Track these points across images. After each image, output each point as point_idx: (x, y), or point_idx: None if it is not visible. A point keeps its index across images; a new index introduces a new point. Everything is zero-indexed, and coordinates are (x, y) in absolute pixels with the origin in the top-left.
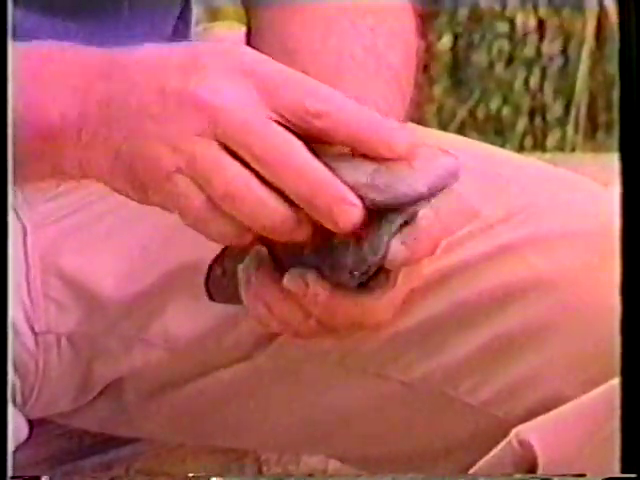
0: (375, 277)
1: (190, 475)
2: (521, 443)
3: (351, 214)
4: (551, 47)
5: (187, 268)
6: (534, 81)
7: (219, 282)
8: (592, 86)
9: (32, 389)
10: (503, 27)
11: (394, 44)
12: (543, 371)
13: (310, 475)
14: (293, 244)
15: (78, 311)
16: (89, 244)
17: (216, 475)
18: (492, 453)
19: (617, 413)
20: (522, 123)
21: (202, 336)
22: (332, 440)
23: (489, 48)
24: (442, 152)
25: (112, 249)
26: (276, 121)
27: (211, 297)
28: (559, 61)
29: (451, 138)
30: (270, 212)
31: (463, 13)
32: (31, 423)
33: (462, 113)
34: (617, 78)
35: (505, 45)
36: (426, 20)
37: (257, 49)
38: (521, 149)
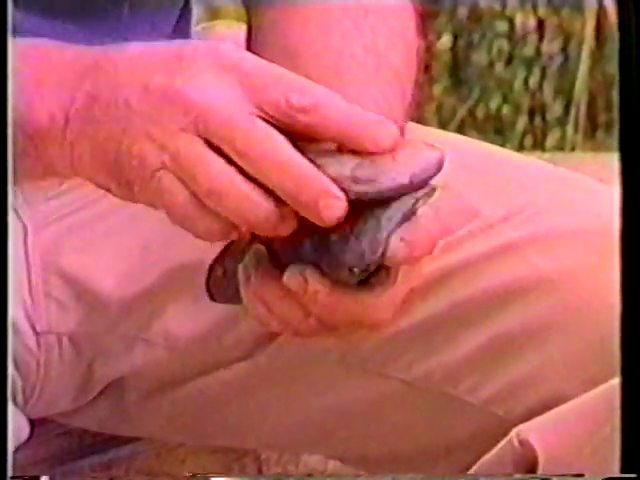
0: (375, 274)
1: (190, 474)
2: (521, 442)
3: (335, 207)
4: (551, 47)
5: (188, 268)
6: (534, 80)
7: (220, 282)
8: (592, 85)
9: (33, 388)
10: (503, 27)
11: (395, 44)
12: (543, 370)
13: (310, 475)
14: (292, 242)
15: (79, 310)
16: (90, 243)
17: (216, 474)
18: (492, 452)
19: (617, 413)
20: (522, 122)
21: (203, 336)
22: (332, 439)
23: (489, 47)
24: (426, 145)
25: (113, 248)
26: (260, 117)
27: (212, 297)
28: (559, 60)
29: (451, 137)
30: (254, 207)
31: (463, 12)
32: (32, 423)
33: (462, 112)
34: (617, 78)
35: (505, 45)
36: (426, 20)
37: (258, 48)
38: (521, 148)
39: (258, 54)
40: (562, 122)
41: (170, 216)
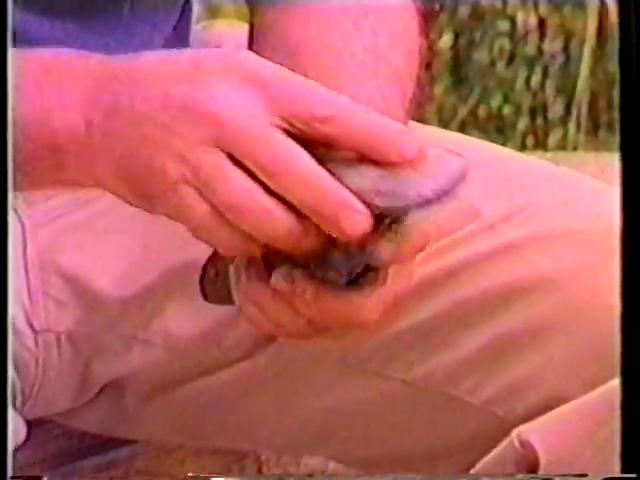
0: (364, 275)
1: (190, 475)
2: (522, 443)
3: (358, 221)
4: (552, 45)
5: (187, 267)
6: (535, 80)
7: (213, 283)
8: (594, 84)
9: (32, 388)
10: (504, 25)
11: (396, 43)
12: (544, 370)
13: (310, 475)
14: None
15: (78, 309)
16: (89, 242)
17: (216, 475)
18: (493, 453)
19: (618, 413)
20: (523, 122)
21: (202, 336)
22: (332, 440)
23: (490, 46)
24: (450, 154)
25: (112, 247)
26: (281, 127)
27: (206, 298)
28: (560, 59)
29: (452, 137)
30: (276, 222)
31: (464, 11)
32: (29, 424)
33: (463, 112)
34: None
35: (506, 43)
36: (427, 19)
37: (259, 48)
38: (522, 148)
39: (259, 53)
40: (564, 121)
41: (190, 229)
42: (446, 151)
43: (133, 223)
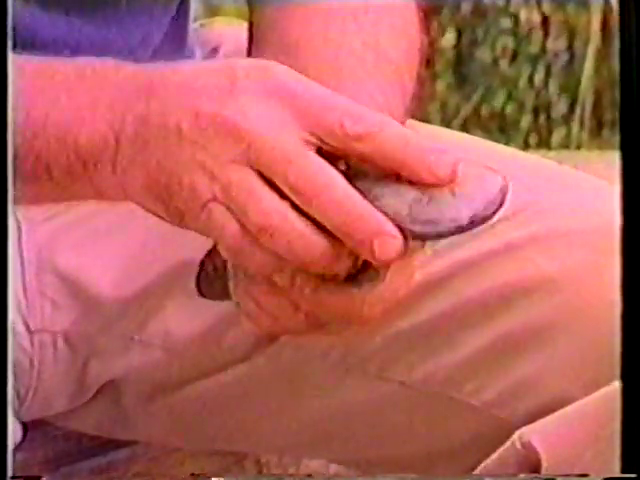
0: (364, 271)
1: (190, 475)
2: (524, 445)
3: (391, 246)
4: (556, 43)
5: (186, 266)
6: (539, 78)
7: (210, 278)
8: (597, 83)
9: (28, 389)
10: (507, 23)
11: (396, 40)
12: (547, 372)
13: (310, 475)
14: None
15: (74, 309)
16: (85, 241)
17: (217, 475)
18: (495, 455)
19: (620, 414)
20: (526, 120)
21: (201, 336)
22: (332, 443)
23: (493, 44)
24: (488, 173)
25: (109, 246)
26: (315, 144)
27: (201, 293)
28: (564, 57)
29: (454, 135)
30: (308, 245)
31: (466, 9)
32: (25, 426)
33: (466, 110)
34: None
35: (509, 41)
36: (429, 16)
37: (259, 45)
38: (526, 147)
39: (258, 51)
40: (567, 120)
41: (221, 248)
42: (485, 169)
43: (131, 222)
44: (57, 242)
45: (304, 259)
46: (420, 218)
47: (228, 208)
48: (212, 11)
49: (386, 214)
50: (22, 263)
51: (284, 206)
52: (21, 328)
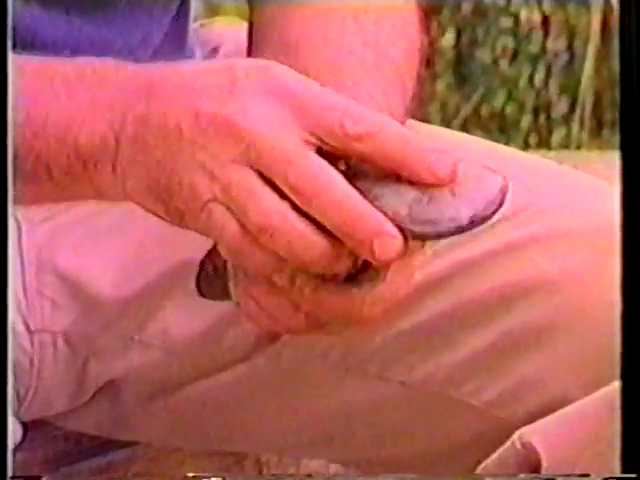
0: (364, 271)
1: (190, 475)
2: (524, 445)
3: (392, 247)
4: (556, 43)
5: (185, 266)
6: (539, 78)
7: (210, 278)
8: (598, 83)
9: (27, 389)
10: (507, 23)
11: (396, 40)
12: (547, 372)
13: (310, 475)
14: None
15: (74, 309)
16: (85, 241)
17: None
18: (495, 455)
19: (619, 414)
20: (526, 120)
21: (201, 336)
22: (333, 443)
23: (493, 44)
24: (487, 173)
25: (109, 246)
26: (314, 144)
27: (201, 293)
28: (564, 57)
29: (454, 135)
30: (308, 245)
31: (467, 8)
32: (25, 426)
33: (466, 110)
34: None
35: (509, 41)
36: (429, 16)
37: (258, 45)
38: (526, 147)
39: (259, 50)
40: (567, 120)
41: (221, 248)
42: (485, 169)
43: (130, 223)
44: (57, 242)
45: (304, 259)
46: (420, 218)
47: (228, 208)
48: (212, 10)
49: (386, 214)
50: (22, 263)
51: (284, 206)
52: (21, 328)
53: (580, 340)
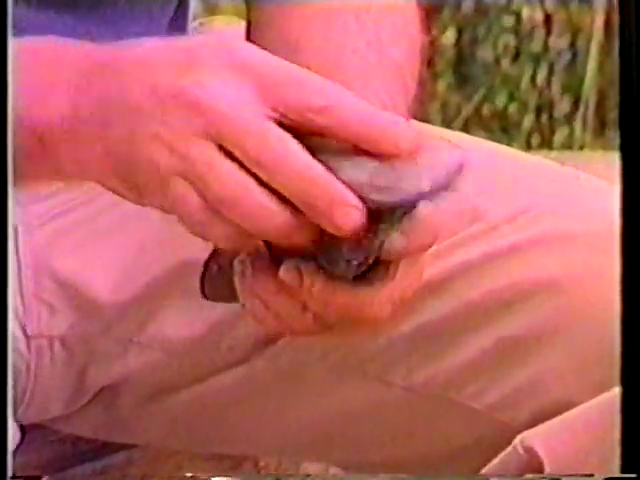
0: (373, 269)
1: (189, 475)
2: (526, 449)
3: (352, 216)
4: (559, 42)
5: (184, 268)
6: (541, 77)
7: (215, 279)
8: (601, 82)
9: (24, 393)
10: (509, 21)
11: (398, 39)
12: (550, 375)
13: (309, 475)
14: None
15: (71, 313)
16: (83, 244)
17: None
18: (497, 459)
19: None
20: (529, 120)
21: (200, 338)
22: (332, 446)
23: (494, 43)
24: (447, 145)
25: (106, 249)
26: (276, 119)
27: (205, 295)
28: (567, 56)
29: (455, 136)
30: (269, 216)
31: (468, 6)
32: (23, 429)
33: (467, 110)
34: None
35: (511, 40)
36: (430, 14)
37: (257, 44)
38: (528, 147)
39: None
40: (570, 120)
41: (183, 222)
42: (444, 142)
43: (128, 225)
44: (54, 246)
45: (265, 230)
46: (381, 186)
47: (189, 181)
48: (210, 10)
49: (346, 184)
50: (19, 267)
51: (245, 178)
52: (18, 333)
53: (583, 343)
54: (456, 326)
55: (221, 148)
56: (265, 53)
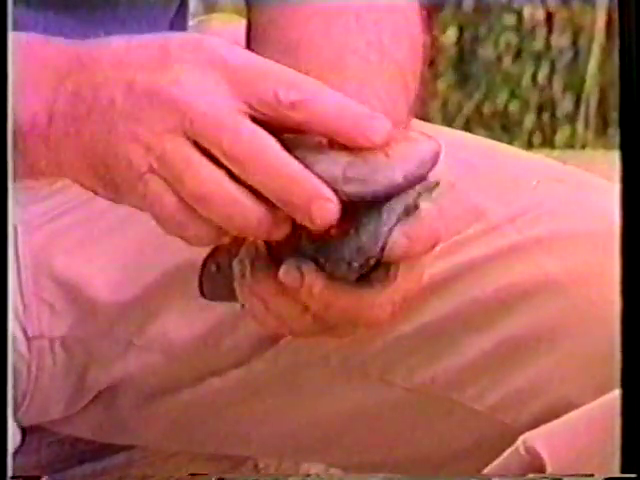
0: (374, 271)
1: (190, 474)
2: (528, 450)
3: (327, 210)
4: (560, 40)
5: (184, 269)
6: (543, 75)
7: (213, 279)
8: (602, 80)
9: (25, 395)
10: (510, 19)
11: (399, 39)
12: (552, 376)
13: (308, 475)
14: (289, 236)
15: (72, 314)
16: (83, 245)
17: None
18: (499, 460)
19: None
20: (530, 119)
21: (200, 339)
22: (332, 447)
23: (496, 41)
24: (422, 137)
25: (106, 250)
26: (249, 114)
27: (204, 295)
28: (569, 55)
29: (456, 135)
30: (244, 212)
31: (469, 5)
32: (24, 430)
33: (468, 109)
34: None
35: (512, 38)
36: (431, 14)
37: (258, 44)
38: (529, 146)
39: (258, 49)
40: (572, 118)
41: (158, 221)
42: (418, 134)
43: (128, 225)
44: (54, 246)
45: (241, 227)
46: (354, 179)
47: (164, 179)
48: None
49: (321, 178)
50: (19, 267)
51: (220, 174)
52: (19, 334)
53: (585, 343)
54: (457, 327)
55: (196, 145)
56: (239, 49)
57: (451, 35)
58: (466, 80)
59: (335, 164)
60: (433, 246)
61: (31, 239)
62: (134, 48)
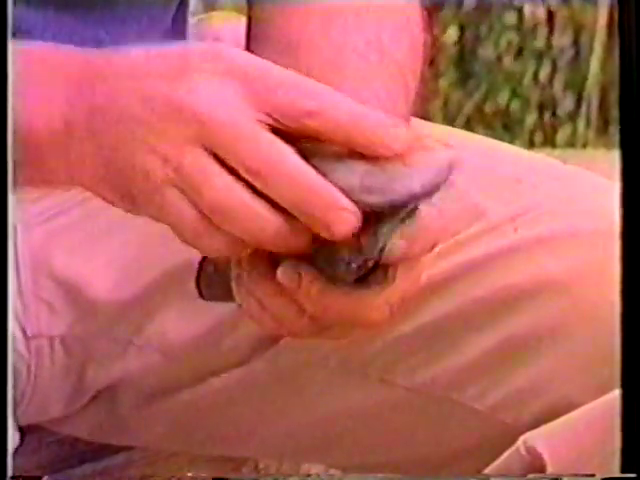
0: (373, 273)
1: (190, 475)
2: (529, 450)
3: (347, 220)
4: (562, 39)
5: (184, 269)
6: (544, 74)
7: (210, 279)
8: (604, 79)
9: (23, 394)
10: (511, 18)
11: (399, 38)
12: (553, 375)
13: (308, 475)
14: None
15: (71, 314)
16: (82, 244)
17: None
18: (499, 460)
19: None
20: (531, 118)
21: (199, 339)
22: (333, 448)
23: (497, 40)
24: (439, 145)
25: (105, 249)
26: (267, 123)
27: (201, 295)
28: (570, 53)
29: (457, 134)
30: (263, 224)
31: (469, 3)
32: (22, 430)
33: (469, 108)
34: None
35: (514, 37)
36: (432, 13)
37: (258, 42)
38: (531, 145)
39: (258, 48)
40: (573, 117)
41: (176, 232)
42: (436, 143)
43: (127, 224)
44: (53, 245)
45: (260, 238)
46: (372, 188)
47: (182, 191)
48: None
49: (339, 187)
50: (18, 266)
51: (238, 186)
52: (18, 334)
53: (586, 342)
54: (458, 326)
55: (214, 156)
56: (256, 58)
57: (452, 34)
58: (467, 79)
59: (352, 173)
60: (432, 248)
61: (30, 238)
62: (153, 58)
